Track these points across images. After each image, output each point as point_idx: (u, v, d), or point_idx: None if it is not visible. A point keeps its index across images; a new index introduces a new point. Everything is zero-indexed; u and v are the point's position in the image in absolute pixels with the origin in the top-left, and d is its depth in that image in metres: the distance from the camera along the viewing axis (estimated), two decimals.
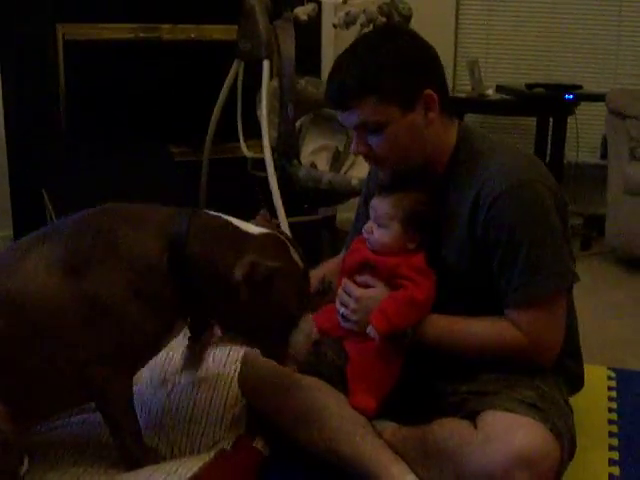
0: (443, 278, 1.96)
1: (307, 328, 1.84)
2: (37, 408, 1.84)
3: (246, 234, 1.79)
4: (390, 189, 2.01)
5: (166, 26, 4.00)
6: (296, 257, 1.83)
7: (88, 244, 1.74)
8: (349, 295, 2.00)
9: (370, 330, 1.92)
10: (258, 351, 1.98)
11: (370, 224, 2.02)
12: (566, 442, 1.80)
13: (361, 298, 1.98)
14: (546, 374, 1.94)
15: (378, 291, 1.98)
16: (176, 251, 1.74)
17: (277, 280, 1.74)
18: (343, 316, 2.02)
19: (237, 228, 1.81)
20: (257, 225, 1.84)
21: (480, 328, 1.93)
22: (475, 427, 1.80)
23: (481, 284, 1.93)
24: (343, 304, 2.01)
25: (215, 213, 1.87)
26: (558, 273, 1.88)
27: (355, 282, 2.02)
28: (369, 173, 2.26)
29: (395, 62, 1.86)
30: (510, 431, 1.73)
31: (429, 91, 1.88)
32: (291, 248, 1.83)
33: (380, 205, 2.01)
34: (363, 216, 2.18)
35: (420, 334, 1.94)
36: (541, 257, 1.86)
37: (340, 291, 2.04)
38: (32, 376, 1.74)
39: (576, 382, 2.10)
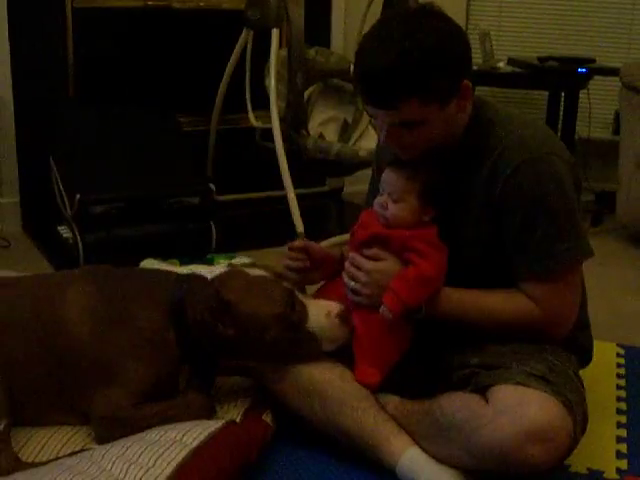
0: (456, 252, 1.94)
1: (321, 308, 1.92)
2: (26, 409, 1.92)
3: (210, 281, 1.97)
4: (401, 163, 1.98)
5: None
6: (256, 272, 1.95)
7: (113, 308, 1.92)
8: (358, 268, 1.97)
9: (383, 310, 1.89)
10: None
11: (383, 199, 1.99)
12: (578, 416, 1.79)
13: (372, 271, 1.95)
14: (557, 347, 1.93)
15: (388, 264, 1.95)
16: (177, 318, 1.91)
17: (240, 304, 1.87)
18: (352, 290, 1.99)
19: (206, 279, 1.99)
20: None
21: (494, 301, 1.92)
22: (485, 401, 1.78)
23: (495, 258, 1.92)
24: (352, 278, 1.99)
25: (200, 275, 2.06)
26: (575, 246, 1.88)
27: (363, 255, 1.99)
28: (377, 146, 2.23)
29: (440, 59, 1.77)
30: (522, 404, 1.72)
31: (466, 82, 1.84)
32: (252, 271, 1.96)
33: (395, 179, 1.97)
34: (376, 190, 2.16)
35: (433, 308, 1.92)
36: (558, 230, 1.85)
37: (347, 264, 2.01)
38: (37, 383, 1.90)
39: (585, 356, 2.09)
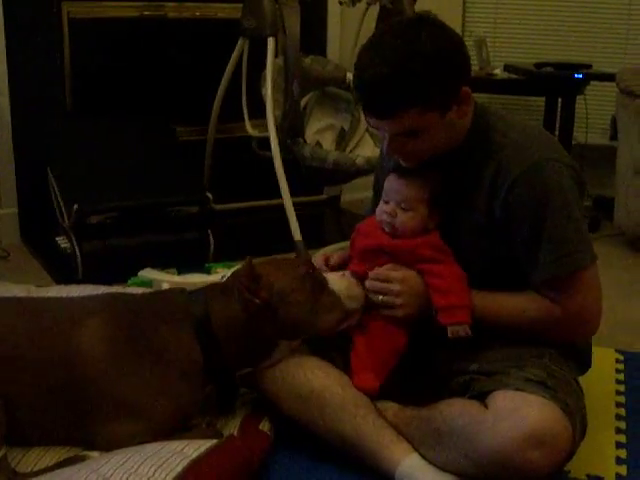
0: (458, 257, 1.96)
1: (335, 274, 2.01)
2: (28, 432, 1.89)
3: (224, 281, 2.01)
4: (409, 170, 1.98)
5: (171, 4, 3.95)
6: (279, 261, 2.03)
7: (135, 339, 1.88)
8: (388, 281, 1.96)
9: (454, 331, 1.89)
10: None
11: (391, 208, 1.99)
12: (578, 421, 1.80)
13: (404, 279, 1.95)
14: (556, 353, 1.94)
15: (413, 272, 1.96)
16: (204, 331, 1.91)
17: (269, 275, 1.92)
18: (384, 303, 1.97)
19: (218, 283, 2.04)
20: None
21: (516, 302, 1.93)
22: (485, 407, 1.79)
23: (495, 264, 1.93)
24: (382, 291, 1.97)
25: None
26: (583, 249, 1.87)
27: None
28: (380, 155, 2.24)
29: (438, 67, 1.79)
30: (522, 409, 1.73)
31: (465, 88, 1.85)
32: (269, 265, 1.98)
33: (404, 188, 1.97)
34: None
35: None
36: (564, 235, 1.85)
37: (371, 282, 1.98)
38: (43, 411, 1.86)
39: (584, 362, 2.08)
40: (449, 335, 1.89)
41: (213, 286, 2.01)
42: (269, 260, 2.03)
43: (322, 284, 1.95)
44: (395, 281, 1.95)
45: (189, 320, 1.91)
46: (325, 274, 2.00)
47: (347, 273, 2.00)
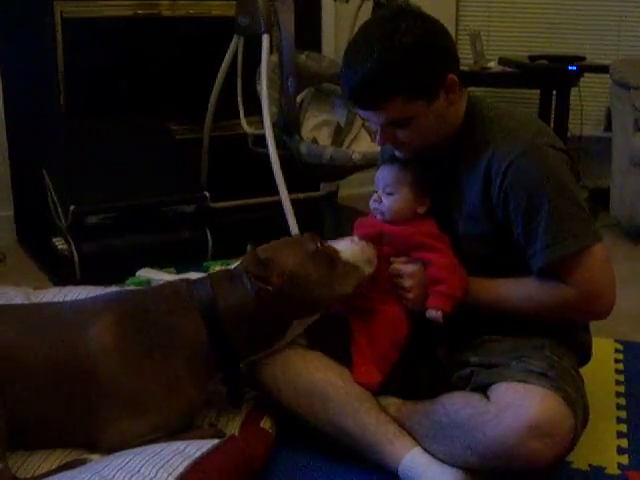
0: (455, 243, 1.97)
1: (344, 241, 1.97)
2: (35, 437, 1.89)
3: (228, 269, 2.01)
4: (393, 159, 2.02)
5: (165, 2, 3.95)
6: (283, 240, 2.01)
7: (141, 336, 1.87)
8: (399, 276, 1.98)
9: (433, 314, 1.90)
10: None
11: (378, 194, 2.02)
12: (579, 410, 1.80)
13: (415, 274, 1.96)
14: (556, 344, 1.94)
15: (418, 264, 1.97)
16: (211, 317, 1.90)
17: (276, 256, 1.91)
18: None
19: (222, 271, 2.05)
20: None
21: (526, 285, 1.92)
22: (487, 399, 1.79)
23: (493, 252, 1.94)
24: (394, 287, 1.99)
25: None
26: (584, 230, 1.86)
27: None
28: (381, 150, 2.26)
29: (418, 57, 1.81)
30: (523, 400, 1.73)
31: (451, 76, 1.87)
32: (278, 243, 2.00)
33: (387, 173, 2.02)
34: None
35: (467, 295, 1.93)
36: (562, 216, 1.83)
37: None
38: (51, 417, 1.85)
39: (584, 353, 2.08)
40: (426, 315, 1.91)
41: (218, 273, 2.00)
42: (273, 243, 1.99)
43: (334, 256, 1.93)
44: (406, 276, 1.96)
45: (195, 307, 1.90)
46: (333, 243, 1.97)
47: (355, 238, 1.98)
